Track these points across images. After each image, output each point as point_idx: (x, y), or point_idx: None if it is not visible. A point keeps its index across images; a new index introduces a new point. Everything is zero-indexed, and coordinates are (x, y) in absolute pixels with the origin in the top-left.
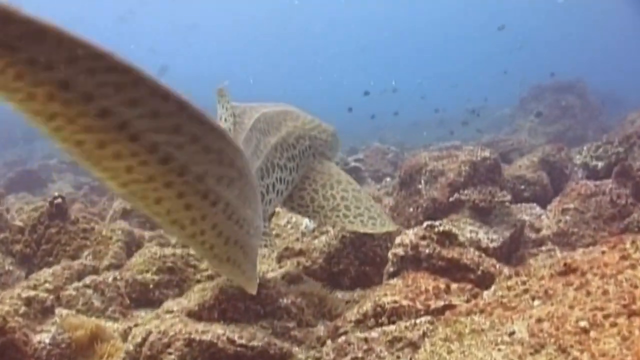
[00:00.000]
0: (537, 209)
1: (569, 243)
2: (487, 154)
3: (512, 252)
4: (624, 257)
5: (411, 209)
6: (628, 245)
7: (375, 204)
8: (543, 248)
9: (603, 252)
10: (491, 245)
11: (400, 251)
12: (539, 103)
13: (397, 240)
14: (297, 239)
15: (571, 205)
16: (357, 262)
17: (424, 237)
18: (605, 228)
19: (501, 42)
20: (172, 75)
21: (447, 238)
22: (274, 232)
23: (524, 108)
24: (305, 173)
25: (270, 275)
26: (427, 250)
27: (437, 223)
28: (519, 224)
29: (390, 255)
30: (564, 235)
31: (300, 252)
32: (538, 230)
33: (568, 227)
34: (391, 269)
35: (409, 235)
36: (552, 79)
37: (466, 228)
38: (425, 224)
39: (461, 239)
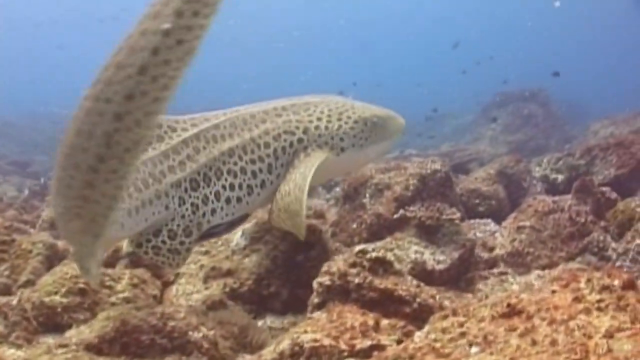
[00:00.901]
0: (492, 226)
1: (524, 264)
2: (437, 166)
3: (461, 275)
4: (577, 299)
5: (355, 225)
6: (582, 285)
7: (296, 208)
8: (495, 270)
9: (553, 292)
10: (437, 267)
11: (326, 280)
12: (501, 111)
13: (324, 267)
14: (227, 257)
15: (527, 223)
16: (290, 284)
17: (354, 265)
18: (563, 248)
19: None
20: None
21: (381, 266)
22: (203, 249)
23: (486, 116)
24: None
25: (194, 297)
26: (356, 280)
27: (370, 248)
28: (468, 244)
29: (315, 284)
30: (518, 256)
31: (229, 273)
32: (491, 250)
33: (523, 247)
34: (316, 300)
35: (337, 262)
36: (516, 87)
37: (411, 248)
38: (356, 248)
39: (397, 266)
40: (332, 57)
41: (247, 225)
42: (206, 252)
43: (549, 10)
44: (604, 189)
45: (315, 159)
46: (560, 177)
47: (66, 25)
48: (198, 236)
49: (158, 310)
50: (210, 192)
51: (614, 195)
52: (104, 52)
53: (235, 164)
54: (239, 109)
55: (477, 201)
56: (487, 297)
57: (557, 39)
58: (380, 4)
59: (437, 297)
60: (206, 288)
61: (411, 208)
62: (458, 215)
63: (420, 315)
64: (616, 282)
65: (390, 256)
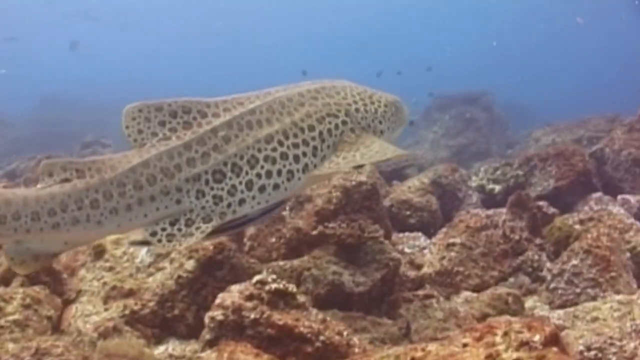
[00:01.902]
0: (422, 240)
1: (453, 284)
2: (363, 178)
3: (384, 296)
4: (490, 357)
5: (273, 239)
6: (499, 339)
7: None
8: (420, 293)
9: (465, 345)
10: (357, 289)
11: (218, 314)
12: (443, 113)
13: (218, 299)
14: (131, 275)
15: (458, 240)
16: (195, 307)
17: (250, 297)
18: (495, 267)
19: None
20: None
21: (282, 298)
22: (108, 264)
23: (428, 118)
24: (335, 147)
25: (92, 319)
26: (252, 315)
27: (269, 279)
28: (392, 263)
29: (206, 318)
30: (447, 275)
31: (130, 293)
32: (419, 267)
33: (452, 266)
34: (207, 337)
35: (232, 294)
36: (458, 90)
37: (329, 268)
38: (255, 278)
39: (300, 299)
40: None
41: None
42: (110, 269)
43: (492, 14)
44: (541, 203)
45: (376, 138)
46: (497, 188)
47: None
48: (219, 224)
49: (33, 345)
50: (240, 182)
51: (551, 210)
52: None
53: (275, 150)
54: (270, 91)
55: (408, 213)
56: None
57: (502, 42)
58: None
59: (345, 333)
60: (106, 309)
61: (331, 224)
62: (381, 232)
63: (323, 355)
64: (537, 337)
65: (292, 288)
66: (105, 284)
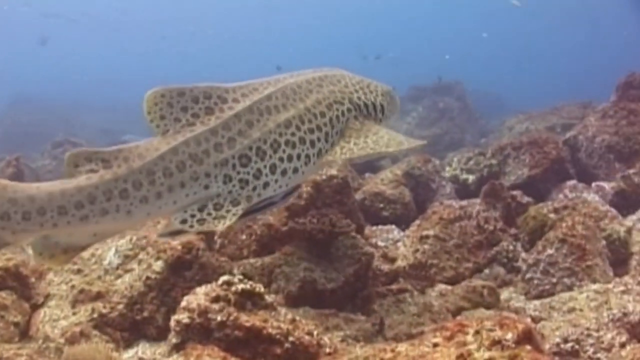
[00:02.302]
0: (395, 233)
1: (427, 277)
2: (334, 172)
3: (358, 292)
4: (462, 357)
5: (244, 236)
6: (470, 337)
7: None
8: (394, 287)
9: (435, 345)
10: (329, 286)
11: (184, 317)
12: (417, 104)
13: (183, 302)
14: (99, 277)
15: (431, 232)
16: (165, 308)
17: (217, 299)
18: (470, 258)
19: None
20: None
21: (249, 299)
22: (76, 267)
23: (402, 109)
24: (342, 134)
25: (61, 323)
26: (219, 317)
27: (236, 279)
28: (364, 258)
29: (172, 322)
30: (421, 268)
31: (99, 296)
32: (393, 261)
33: (426, 259)
34: (173, 341)
35: (198, 296)
36: (431, 80)
37: (300, 265)
38: (221, 279)
39: (268, 299)
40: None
41: (121, 241)
42: (78, 271)
43: (464, 3)
44: (514, 192)
45: (374, 125)
46: (471, 178)
47: None
48: (247, 207)
49: None
50: (265, 166)
51: (525, 199)
52: None
53: (293, 134)
54: (278, 77)
55: (381, 205)
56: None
57: (475, 32)
58: None
59: (315, 332)
60: (74, 314)
61: (301, 220)
62: (353, 227)
63: (293, 356)
64: (509, 336)
65: (259, 288)
66: (73, 287)
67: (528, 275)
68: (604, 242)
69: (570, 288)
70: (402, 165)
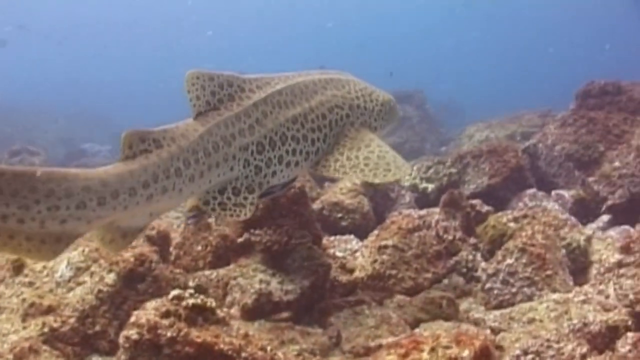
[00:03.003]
0: (354, 243)
1: (386, 288)
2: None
3: (315, 303)
4: None
5: (199, 247)
6: (425, 355)
7: (399, 159)
8: (351, 299)
9: None
10: (285, 298)
11: (133, 334)
12: None
13: (132, 317)
14: (51, 290)
15: (390, 242)
16: (117, 322)
17: (167, 314)
18: (429, 269)
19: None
20: None
21: (200, 314)
22: (27, 279)
23: None
24: (337, 140)
25: (10, 338)
26: (169, 333)
27: (186, 294)
28: (321, 269)
29: (121, 338)
30: (380, 279)
31: (50, 309)
32: (351, 271)
33: (385, 269)
34: (122, 357)
35: (147, 311)
36: (391, 87)
37: (256, 277)
38: (171, 294)
39: (220, 313)
40: None
41: (73, 253)
42: (30, 284)
43: (425, 10)
44: (474, 201)
45: (375, 137)
46: (430, 187)
47: None
48: (260, 193)
49: None
50: (274, 156)
51: (485, 208)
52: None
53: (298, 130)
54: (287, 75)
55: (339, 215)
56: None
57: (435, 40)
58: None
59: (269, 348)
60: (24, 328)
61: (257, 231)
62: (309, 238)
63: None
64: (466, 353)
65: (211, 303)
66: (24, 300)
67: (488, 285)
68: (563, 251)
69: (530, 298)
70: None
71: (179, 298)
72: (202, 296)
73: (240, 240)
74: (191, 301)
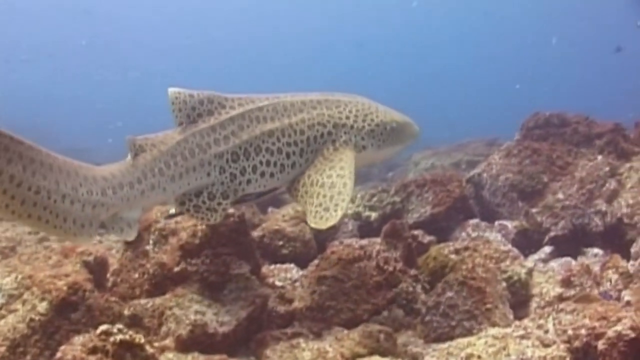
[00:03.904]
0: (294, 272)
1: (324, 319)
2: (230, 210)
3: (252, 334)
4: None
5: (136, 275)
6: None
7: (346, 196)
8: (289, 331)
9: None
10: (221, 329)
11: None
12: None
13: (59, 353)
14: None
15: (329, 273)
16: (49, 352)
17: (94, 350)
18: (369, 300)
19: None
20: None
21: (129, 350)
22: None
23: None
24: (314, 156)
25: None
26: None
27: (115, 329)
28: (259, 300)
29: None
30: (318, 310)
31: None
32: (290, 301)
33: (324, 300)
34: None
35: (74, 347)
36: None
37: (191, 307)
38: (99, 329)
39: (149, 349)
40: None
41: (6, 279)
42: None
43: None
44: (416, 232)
45: (347, 157)
46: (373, 215)
47: None
48: (234, 200)
49: None
50: (249, 165)
51: (427, 239)
52: None
53: (274, 144)
54: (279, 95)
55: (280, 243)
56: None
57: (391, 62)
58: None
59: None
60: None
61: (194, 261)
62: (247, 268)
63: None
64: None
65: (139, 339)
66: None
67: (427, 318)
68: (504, 284)
69: (469, 331)
70: None
71: (107, 333)
72: (130, 332)
73: (176, 269)
74: (119, 337)
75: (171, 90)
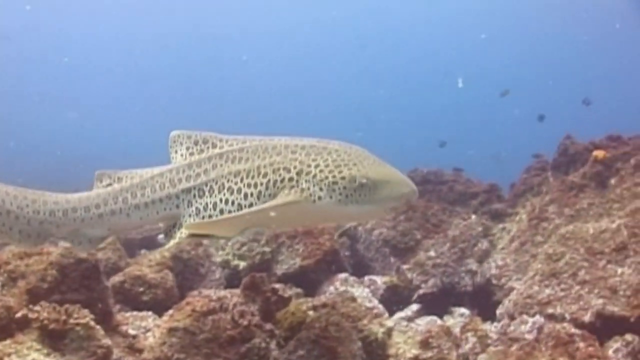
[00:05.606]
0: (150, 321)
1: None
2: (83, 255)
3: None
4: None
5: None
6: None
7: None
8: None
9: None
10: None
11: None
12: None
13: None
14: None
15: (181, 324)
16: None
17: None
18: (220, 354)
19: None
20: None
21: None
22: None
23: None
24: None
25: None
26: None
27: None
28: (100, 351)
29: None
30: None
31: None
32: (140, 351)
33: (173, 353)
34: None
35: None
36: None
37: (29, 356)
38: None
39: None
40: None
41: None
42: None
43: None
44: (277, 286)
45: (286, 198)
46: (242, 264)
47: None
48: (189, 234)
49: None
50: (210, 202)
51: (287, 293)
52: None
53: (236, 184)
54: (273, 138)
55: (141, 289)
56: None
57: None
58: None
59: None
60: None
61: (35, 307)
62: (90, 317)
63: None
64: None
65: None
66: None
67: None
68: (359, 344)
69: None
70: (172, 247)
71: None
72: None
73: (18, 315)
74: None
75: (173, 132)
